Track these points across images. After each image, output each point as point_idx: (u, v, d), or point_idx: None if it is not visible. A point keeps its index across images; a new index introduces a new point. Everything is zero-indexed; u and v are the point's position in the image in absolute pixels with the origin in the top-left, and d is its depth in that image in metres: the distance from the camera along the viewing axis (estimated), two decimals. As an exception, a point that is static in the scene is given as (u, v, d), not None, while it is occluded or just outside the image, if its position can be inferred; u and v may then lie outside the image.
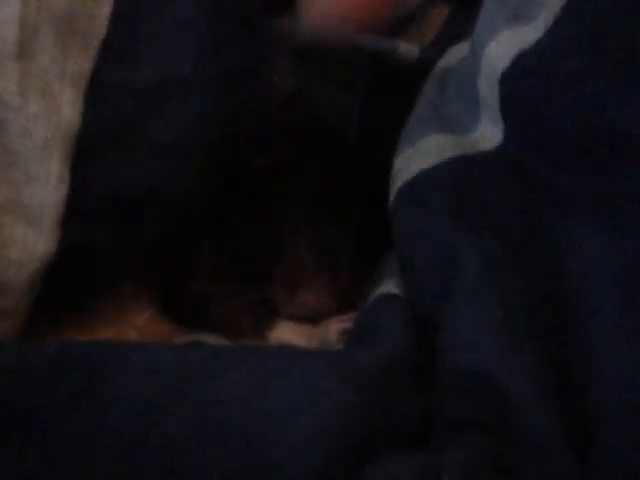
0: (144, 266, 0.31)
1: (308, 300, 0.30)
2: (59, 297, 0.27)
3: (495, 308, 0.25)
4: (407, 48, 0.34)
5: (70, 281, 0.27)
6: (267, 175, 0.31)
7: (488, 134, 0.29)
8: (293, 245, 0.30)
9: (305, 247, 0.30)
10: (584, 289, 0.25)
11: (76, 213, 0.26)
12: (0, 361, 0.22)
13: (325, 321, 0.30)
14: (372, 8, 0.25)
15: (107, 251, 0.28)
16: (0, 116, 0.24)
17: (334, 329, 0.29)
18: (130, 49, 0.25)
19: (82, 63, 0.25)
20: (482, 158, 0.29)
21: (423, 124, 0.31)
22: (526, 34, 0.26)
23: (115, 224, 0.27)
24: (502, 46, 0.27)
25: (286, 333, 0.31)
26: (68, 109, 0.25)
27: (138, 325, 0.30)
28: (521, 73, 0.26)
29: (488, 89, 0.28)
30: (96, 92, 0.25)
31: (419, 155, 0.30)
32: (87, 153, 0.25)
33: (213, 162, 0.28)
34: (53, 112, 0.25)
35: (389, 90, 0.33)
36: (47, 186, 0.25)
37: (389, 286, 0.28)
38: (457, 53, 0.32)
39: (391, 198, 0.29)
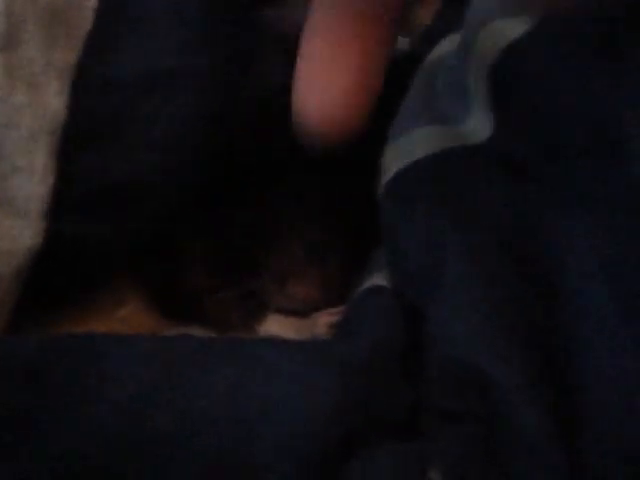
0: (133, 259, 0.31)
1: (297, 292, 0.30)
2: (48, 290, 0.27)
3: (482, 300, 0.25)
4: (398, 40, 0.34)
5: (59, 274, 0.27)
6: (257, 168, 0.31)
7: (478, 126, 0.29)
8: (283, 238, 0.30)
9: (295, 240, 0.30)
10: (571, 281, 0.25)
11: (63, 205, 0.26)
12: None
13: (314, 314, 0.30)
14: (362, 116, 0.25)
15: (95, 243, 0.28)
16: (-15, 107, 0.24)
17: (323, 322, 0.29)
18: (116, 41, 0.25)
19: (67, 55, 0.25)
20: (471, 151, 0.29)
21: (412, 117, 0.31)
22: (515, 26, 0.26)
23: (102, 216, 0.27)
24: (491, 38, 0.27)
25: (275, 326, 0.30)
26: (54, 100, 0.25)
27: (121, 317, 0.30)
28: (510, 65, 0.26)
29: (477, 81, 0.28)
30: (82, 84, 0.25)
31: (408, 148, 0.29)
32: (73, 145, 0.25)
33: (203, 155, 0.28)
34: (39, 103, 0.24)
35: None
36: (33, 177, 0.25)
37: (377, 278, 0.28)
38: (447, 45, 0.32)
39: (379, 191, 0.29)
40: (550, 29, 0.25)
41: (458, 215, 0.27)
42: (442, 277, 0.26)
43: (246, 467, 0.21)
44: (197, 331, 0.30)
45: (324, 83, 0.24)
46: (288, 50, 0.29)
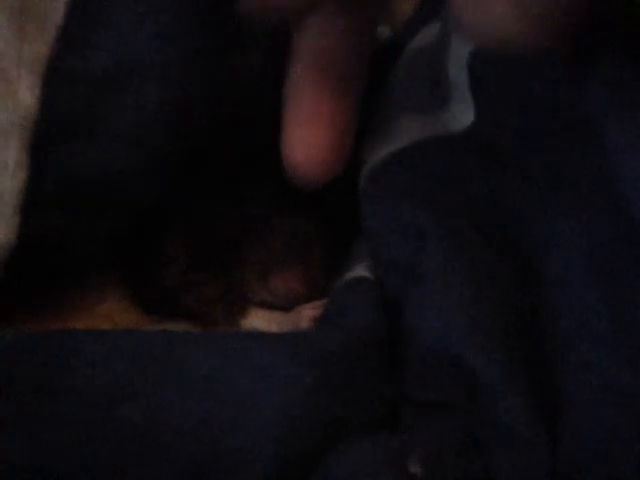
0: (114, 254, 0.31)
1: (279, 286, 0.29)
2: (24, 286, 0.27)
3: (464, 289, 0.24)
4: (379, 29, 0.34)
5: (34, 270, 0.27)
6: (237, 161, 0.30)
7: (459, 115, 0.29)
8: (264, 232, 0.30)
9: (276, 234, 0.30)
10: (553, 271, 0.24)
11: (36, 200, 0.25)
12: None
13: (298, 308, 0.30)
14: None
15: (69, 239, 0.28)
16: (-44, 102, 0.24)
17: (306, 316, 0.29)
18: (88, 34, 0.25)
19: (39, 48, 0.24)
20: (453, 139, 0.28)
21: (394, 106, 0.30)
22: None
23: (75, 211, 0.27)
24: None
25: (259, 321, 0.30)
26: (26, 94, 0.24)
27: (101, 313, 0.30)
28: (489, 52, 0.26)
29: (457, 69, 0.28)
30: (54, 78, 0.25)
31: (389, 137, 0.29)
32: (46, 139, 0.25)
33: (171, 149, 0.28)
34: (10, 98, 0.24)
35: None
36: (5, 173, 0.24)
37: (359, 270, 0.28)
38: (428, 34, 0.32)
39: (361, 181, 0.29)
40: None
41: (439, 204, 0.27)
42: (422, 267, 0.25)
43: (220, 462, 0.21)
44: (180, 326, 0.30)
45: (311, 139, 0.25)
46: (271, 42, 0.29)
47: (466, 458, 0.22)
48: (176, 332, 0.25)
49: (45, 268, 0.28)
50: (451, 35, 0.29)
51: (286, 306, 0.30)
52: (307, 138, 0.26)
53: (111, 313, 0.30)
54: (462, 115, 0.28)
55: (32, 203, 0.25)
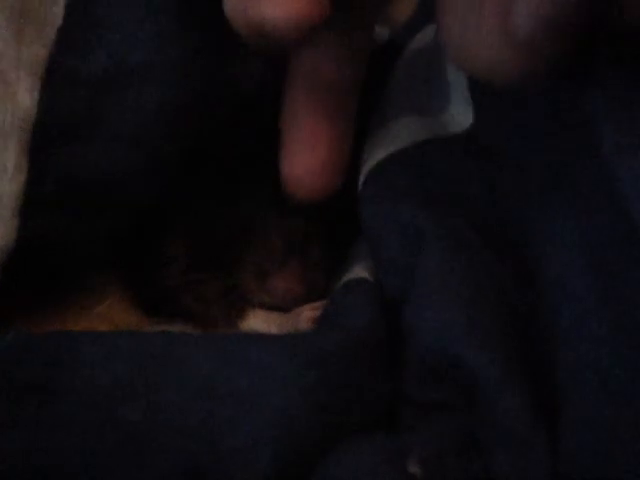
0: (113, 255, 0.31)
1: (277, 287, 0.29)
2: (23, 288, 0.27)
3: (462, 289, 0.24)
4: (377, 30, 0.34)
5: (33, 272, 0.27)
6: (235, 162, 0.30)
7: (458, 116, 0.29)
8: (263, 233, 0.30)
9: (274, 233, 0.30)
10: (552, 270, 0.24)
11: (35, 202, 0.25)
12: None
13: (297, 309, 0.30)
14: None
15: (68, 240, 0.28)
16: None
17: (306, 317, 0.29)
18: (87, 36, 0.25)
19: (38, 50, 0.24)
20: (452, 140, 0.28)
21: (393, 107, 0.31)
22: None
23: (75, 213, 0.27)
24: None
25: (258, 322, 0.30)
26: (25, 97, 0.24)
27: (101, 313, 0.30)
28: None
29: (456, 70, 0.28)
30: (54, 79, 0.25)
31: (388, 138, 0.29)
32: (45, 141, 0.25)
33: (170, 150, 0.28)
34: (8, 99, 0.24)
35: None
36: (4, 175, 0.24)
37: (358, 271, 0.28)
38: (427, 35, 0.32)
39: (360, 182, 0.29)
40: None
41: (438, 204, 0.27)
42: (421, 267, 0.25)
43: (219, 462, 0.21)
44: (180, 327, 0.30)
45: (309, 161, 0.27)
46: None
47: (466, 458, 0.22)
48: (176, 333, 0.25)
49: (45, 269, 0.28)
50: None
51: (285, 307, 0.30)
52: (305, 160, 0.27)
53: (111, 314, 0.30)
54: (461, 116, 0.28)
55: (31, 205, 0.25)
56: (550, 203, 0.25)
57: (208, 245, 0.30)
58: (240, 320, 0.30)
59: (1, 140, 0.24)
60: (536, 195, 0.26)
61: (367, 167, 0.29)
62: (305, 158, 0.27)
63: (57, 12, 0.25)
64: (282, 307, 0.30)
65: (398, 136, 0.29)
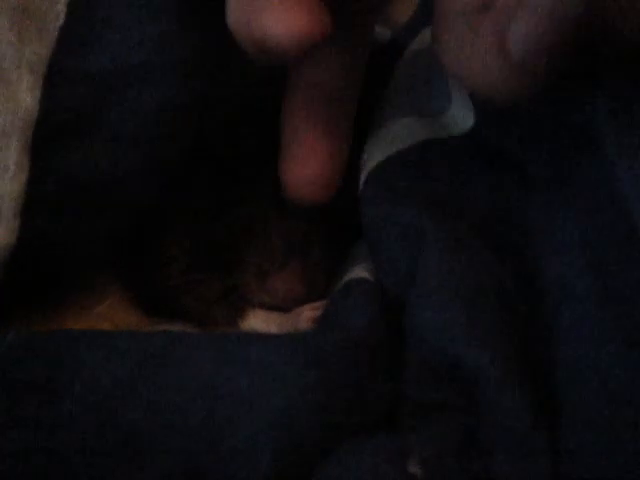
0: (114, 255, 0.31)
1: (278, 288, 0.29)
2: (23, 288, 0.27)
3: (462, 288, 0.24)
4: (378, 31, 0.34)
5: (33, 271, 0.27)
6: (236, 163, 0.30)
7: (459, 117, 0.29)
8: (263, 233, 0.30)
9: (275, 235, 0.30)
10: (553, 270, 0.24)
11: (36, 202, 0.25)
12: None
13: (297, 309, 0.30)
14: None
15: (71, 240, 0.28)
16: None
17: (306, 317, 0.29)
18: (89, 36, 0.25)
19: (40, 50, 0.24)
20: (453, 142, 0.28)
21: (393, 108, 0.31)
22: None
23: (75, 213, 0.27)
24: None
25: (259, 322, 0.30)
26: (26, 96, 0.24)
27: (100, 313, 0.30)
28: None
29: None
30: (55, 79, 0.25)
31: (389, 139, 0.29)
32: (46, 141, 0.25)
33: (171, 151, 0.28)
34: (11, 99, 0.24)
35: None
36: (6, 175, 0.24)
37: (359, 271, 0.28)
38: (428, 36, 0.32)
39: (360, 182, 0.29)
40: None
41: (438, 205, 0.27)
42: (421, 267, 0.25)
43: (219, 462, 0.21)
44: (180, 327, 0.30)
45: (308, 168, 0.27)
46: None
47: (466, 458, 0.22)
48: (176, 333, 0.25)
49: (45, 269, 0.28)
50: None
51: (285, 307, 0.30)
52: (304, 169, 0.27)
53: (111, 314, 0.30)
54: (462, 118, 0.28)
55: (32, 205, 0.25)
56: (550, 203, 0.25)
57: (208, 245, 0.30)
58: (240, 320, 0.30)
59: (2, 139, 0.24)
60: (536, 195, 0.26)
61: (368, 168, 0.29)
62: (304, 168, 0.27)
63: (58, 11, 0.25)
64: (282, 307, 0.30)
65: (398, 137, 0.29)
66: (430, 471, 0.22)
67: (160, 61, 0.25)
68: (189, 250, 0.30)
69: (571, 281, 0.24)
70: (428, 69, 0.31)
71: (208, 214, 0.30)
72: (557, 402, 0.23)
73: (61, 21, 0.25)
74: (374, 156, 0.29)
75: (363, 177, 0.29)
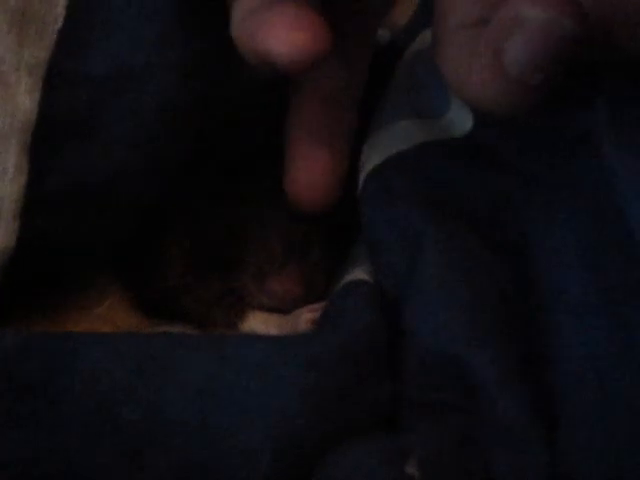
0: (112, 255, 0.31)
1: (277, 289, 0.29)
2: (23, 289, 0.27)
3: (462, 290, 0.24)
4: (378, 32, 0.34)
5: (33, 273, 0.27)
6: (235, 165, 0.30)
7: (458, 120, 0.29)
8: (261, 234, 0.30)
9: (274, 236, 0.30)
10: (551, 272, 0.24)
11: (35, 204, 0.25)
12: None
13: (297, 310, 0.30)
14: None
15: (71, 240, 0.28)
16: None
17: (305, 318, 0.29)
18: (88, 38, 0.25)
19: (39, 53, 0.25)
20: (452, 144, 0.28)
21: (393, 110, 0.31)
22: None
23: (77, 213, 0.27)
24: None
25: (258, 323, 0.30)
26: (25, 98, 0.25)
27: (101, 314, 0.30)
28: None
29: None
30: (54, 81, 0.25)
31: (388, 141, 0.29)
32: (45, 143, 0.25)
33: (170, 153, 0.28)
34: (10, 102, 0.24)
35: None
36: (5, 177, 0.24)
37: (358, 272, 0.28)
38: (427, 37, 0.32)
39: (360, 183, 0.29)
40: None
41: (438, 206, 0.27)
42: (421, 269, 0.25)
43: (219, 463, 0.21)
44: (180, 328, 0.30)
45: (311, 176, 0.28)
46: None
47: (465, 458, 0.22)
48: (176, 334, 0.25)
49: (45, 269, 0.28)
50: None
51: (284, 309, 0.30)
52: (308, 169, 0.28)
53: (111, 315, 0.31)
54: (461, 120, 0.28)
55: (32, 206, 0.25)
56: (550, 204, 0.25)
57: (208, 246, 0.30)
58: (240, 321, 0.30)
59: (1, 142, 0.24)
60: (536, 196, 0.26)
61: (367, 169, 0.29)
62: (307, 176, 0.28)
63: (57, 14, 0.25)
64: (281, 309, 0.30)
65: (398, 138, 0.29)
66: (428, 471, 0.22)
67: (160, 62, 0.26)
68: (189, 250, 0.30)
69: (571, 281, 0.24)
70: (427, 71, 0.31)
71: (208, 214, 0.30)
72: (557, 402, 0.22)
73: (60, 24, 0.25)
74: (373, 157, 0.29)
75: (362, 178, 0.29)
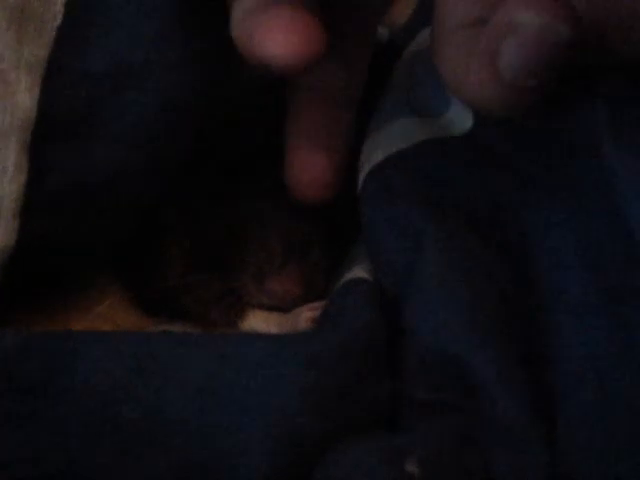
0: (112, 255, 0.31)
1: (276, 289, 0.29)
2: (23, 288, 0.27)
3: (462, 289, 0.24)
4: (377, 31, 0.34)
5: (33, 272, 0.27)
6: (235, 164, 0.30)
7: (458, 118, 0.29)
8: (261, 234, 0.30)
9: (273, 236, 0.30)
10: (551, 272, 0.24)
11: (35, 202, 0.25)
12: None
13: (297, 309, 0.30)
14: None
15: (71, 240, 0.28)
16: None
17: (305, 317, 0.29)
18: (87, 36, 0.25)
19: (38, 50, 0.25)
20: (452, 142, 0.28)
21: (393, 108, 0.31)
22: None
23: (77, 213, 0.27)
24: None
25: (258, 322, 0.30)
26: (25, 96, 0.24)
27: (101, 313, 0.30)
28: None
29: None
30: (54, 79, 0.25)
31: (388, 139, 0.29)
32: (45, 141, 0.25)
33: (179, 150, 0.28)
34: (9, 100, 0.24)
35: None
36: (4, 176, 0.24)
37: (358, 271, 0.28)
38: (427, 36, 0.32)
39: (359, 182, 0.29)
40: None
41: (437, 205, 0.27)
42: (420, 268, 0.25)
43: (218, 462, 0.21)
44: (180, 327, 0.30)
45: (312, 169, 0.29)
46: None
47: (464, 457, 0.22)
48: (176, 333, 0.25)
49: (45, 269, 0.28)
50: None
51: (284, 308, 0.30)
52: (308, 168, 0.28)
53: (111, 314, 0.31)
54: (461, 119, 0.28)
55: (32, 205, 0.25)
56: (550, 204, 0.25)
57: (207, 246, 0.30)
58: (240, 320, 0.30)
59: (1, 140, 0.24)
60: (536, 196, 0.26)
61: (366, 168, 0.29)
62: (309, 166, 0.28)
63: (56, 12, 0.25)
64: (281, 307, 0.30)
65: (397, 137, 0.29)
66: (428, 470, 0.22)
67: (159, 60, 0.26)
68: (189, 250, 0.30)
69: (571, 281, 0.24)
70: (427, 70, 0.31)
71: (208, 214, 0.31)
72: (557, 402, 0.23)
73: (59, 21, 0.25)
74: (373, 156, 0.29)
75: (362, 177, 0.29)
